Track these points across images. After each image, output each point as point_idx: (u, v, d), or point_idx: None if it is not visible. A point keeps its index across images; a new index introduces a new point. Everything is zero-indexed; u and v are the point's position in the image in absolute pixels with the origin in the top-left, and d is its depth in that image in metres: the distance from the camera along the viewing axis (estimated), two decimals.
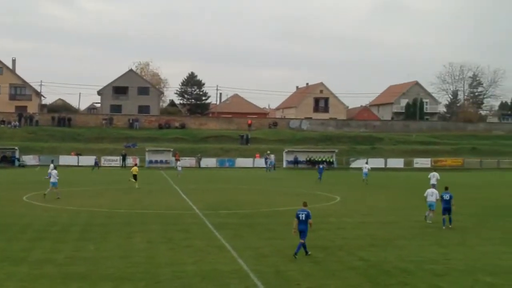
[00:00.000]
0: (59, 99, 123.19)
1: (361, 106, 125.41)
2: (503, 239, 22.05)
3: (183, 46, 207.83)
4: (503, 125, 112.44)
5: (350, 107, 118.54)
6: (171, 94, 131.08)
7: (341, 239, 21.48)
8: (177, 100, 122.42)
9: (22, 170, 65.42)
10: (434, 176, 38.56)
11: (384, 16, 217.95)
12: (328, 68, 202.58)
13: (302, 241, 17.84)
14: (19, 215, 26.93)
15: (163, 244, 19.96)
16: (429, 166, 74.39)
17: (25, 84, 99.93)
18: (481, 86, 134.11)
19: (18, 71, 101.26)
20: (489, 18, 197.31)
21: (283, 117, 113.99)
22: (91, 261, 17.15)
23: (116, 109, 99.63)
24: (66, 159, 72.60)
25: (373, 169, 53.87)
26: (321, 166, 53.77)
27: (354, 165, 76.21)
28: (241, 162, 77.37)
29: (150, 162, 73.30)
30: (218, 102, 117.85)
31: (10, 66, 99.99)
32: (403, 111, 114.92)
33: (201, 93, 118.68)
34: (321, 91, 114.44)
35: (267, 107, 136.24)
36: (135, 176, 42.19)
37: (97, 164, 68.10)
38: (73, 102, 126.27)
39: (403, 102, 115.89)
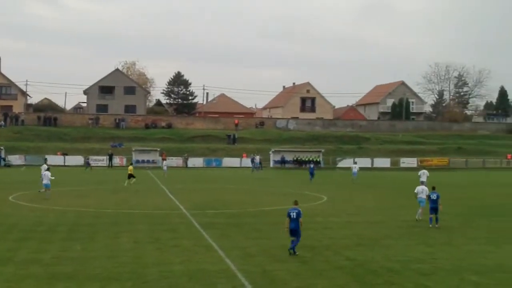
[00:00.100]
0: (45, 98, 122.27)
1: (348, 106, 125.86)
2: (489, 238, 22.22)
3: (168, 45, 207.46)
4: (488, 125, 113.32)
5: (336, 107, 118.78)
6: (157, 93, 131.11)
7: (328, 238, 21.55)
8: (164, 100, 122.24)
9: (8, 170, 64.90)
10: (424, 174, 39.87)
11: (371, 17, 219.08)
12: (315, 68, 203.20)
13: (294, 238, 18.00)
14: (5, 215, 26.74)
15: (150, 244, 19.92)
16: (415, 165, 74.70)
17: (10, 84, 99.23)
18: (466, 86, 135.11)
19: (4, 70, 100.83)
20: (475, 18, 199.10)
21: (270, 116, 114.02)
22: (78, 261, 17.06)
23: (102, 108, 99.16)
24: (52, 159, 71.83)
25: (359, 168, 54.01)
26: (311, 166, 53.57)
27: (340, 164, 76.54)
28: (228, 161, 77.34)
29: (137, 161, 73.02)
30: (204, 102, 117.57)
31: None
32: (389, 111, 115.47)
33: (187, 92, 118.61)
34: (308, 91, 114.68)
35: (253, 107, 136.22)
36: (130, 175, 43.71)
37: (89, 164, 67.84)
38: (59, 101, 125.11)
39: (389, 102, 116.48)
